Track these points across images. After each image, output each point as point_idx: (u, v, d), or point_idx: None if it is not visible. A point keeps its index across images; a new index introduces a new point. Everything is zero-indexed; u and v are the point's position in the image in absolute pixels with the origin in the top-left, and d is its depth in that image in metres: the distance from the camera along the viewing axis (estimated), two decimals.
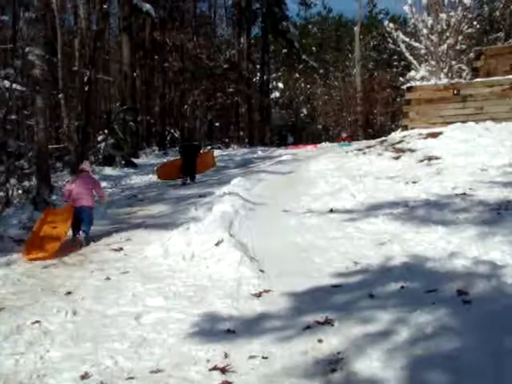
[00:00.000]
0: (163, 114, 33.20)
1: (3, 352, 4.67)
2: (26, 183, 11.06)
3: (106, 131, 21.67)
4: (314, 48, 49.23)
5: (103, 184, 15.40)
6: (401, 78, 27.56)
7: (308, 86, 45.92)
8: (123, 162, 20.31)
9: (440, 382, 3.58)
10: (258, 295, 5.78)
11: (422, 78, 17.62)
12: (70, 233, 8.95)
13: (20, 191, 10.21)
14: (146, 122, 32.10)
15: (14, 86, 10.84)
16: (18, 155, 11.04)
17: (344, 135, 22.90)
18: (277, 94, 46.47)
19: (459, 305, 4.71)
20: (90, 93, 19.52)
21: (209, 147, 25.92)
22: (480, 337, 4.02)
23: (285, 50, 45.88)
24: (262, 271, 6.52)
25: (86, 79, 18.50)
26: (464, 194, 8.86)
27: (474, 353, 3.81)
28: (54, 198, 11.20)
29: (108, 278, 6.59)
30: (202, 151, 17.35)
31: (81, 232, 8.78)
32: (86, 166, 9.83)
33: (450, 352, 3.90)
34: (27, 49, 10.68)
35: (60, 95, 16.49)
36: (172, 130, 33.06)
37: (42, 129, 10.62)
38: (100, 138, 21.52)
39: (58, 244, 8.30)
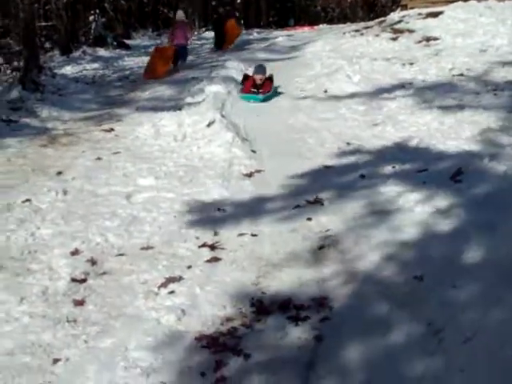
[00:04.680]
0: None
1: None
2: (15, 63, 10.73)
3: (96, 10, 20.92)
4: None
5: (95, 65, 15.12)
6: None
7: None
8: (115, 43, 19.75)
9: (427, 258, 3.61)
10: (250, 175, 5.76)
11: None
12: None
13: (8, 71, 9.92)
14: (138, 0, 30.93)
15: None
16: (3, 33, 10.64)
17: (259, 77, 9.46)
18: None
19: (450, 184, 4.69)
20: None
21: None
22: (469, 215, 4.03)
23: None
24: (253, 152, 6.49)
25: None
26: (461, 74, 8.68)
27: (463, 229, 3.83)
28: (43, 78, 10.93)
29: (99, 159, 6.53)
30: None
31: (179, 62, 13.79)
32: (181, 17, 14.58)
33: (441, 229, 3.92)
34: None
35: None
36: (165, 10, 31.96)
37: (27, 4, 10.18)
38: (91, 17, 20.79)
39: (166, 68, 13.15)
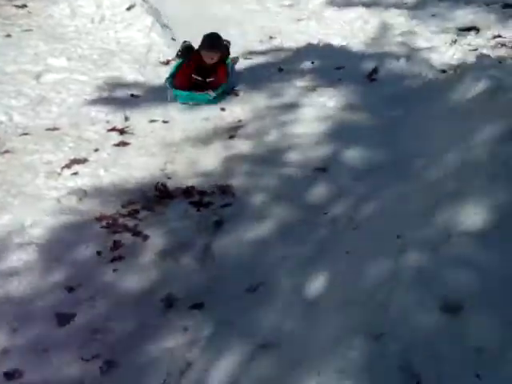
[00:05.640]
0: None
1: None
2: None
3: None
4: None
5: None
6: None
7: None
8: None
9: (334, 151, 3.66)
10: (167, 63, 5.61)
11: None
12: None
13: None
14: None
15: None
16: None
17: (210, 55, 4.76)
18: None
19: (365, 82, 4.74)
20: None
21: None
22: (379, 112, 4.09)
23: None
24: (173, 40, 6.28)
25: None
26: None
27: (371, 125, 3.89)
28: None
29: (9, 35, 6.15)
30: None
31: None
32: None
33: (350, 124, 3.97)
34: None
35: None
36: None
37: None
38: None
39: None
